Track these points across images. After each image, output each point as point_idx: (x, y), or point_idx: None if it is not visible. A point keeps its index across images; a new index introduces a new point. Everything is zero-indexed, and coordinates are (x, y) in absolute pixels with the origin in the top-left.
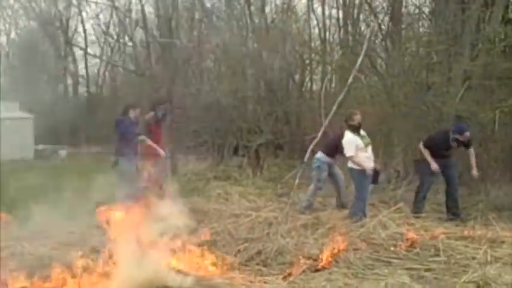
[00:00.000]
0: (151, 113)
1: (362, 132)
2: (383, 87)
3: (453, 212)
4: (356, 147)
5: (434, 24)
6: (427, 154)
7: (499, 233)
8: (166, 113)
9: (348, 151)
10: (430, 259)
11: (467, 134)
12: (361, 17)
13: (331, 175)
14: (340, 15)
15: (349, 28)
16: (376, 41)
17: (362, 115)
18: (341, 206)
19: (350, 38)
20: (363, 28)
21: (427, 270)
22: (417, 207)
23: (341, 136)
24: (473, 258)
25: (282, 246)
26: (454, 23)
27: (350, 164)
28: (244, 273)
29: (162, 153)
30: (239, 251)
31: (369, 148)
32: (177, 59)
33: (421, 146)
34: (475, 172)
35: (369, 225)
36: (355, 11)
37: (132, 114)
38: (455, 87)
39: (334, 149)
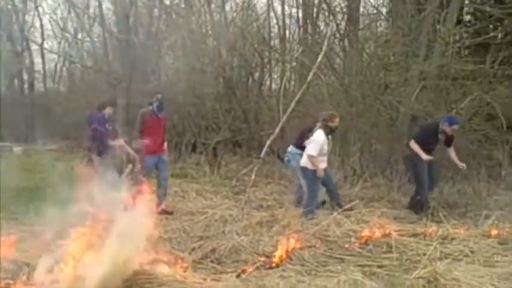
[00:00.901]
0: (149, 107)
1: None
2: (341, 86)
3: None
4: (320, 151)
5: (392, 24)
6: (416, 148)
7: (450, 230)
8: (161, 104)
9: (313, 150)
10: (383, 256)
11: (456, 126)
12: (321, 16)
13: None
14: (300, 15)
15: (309, 27)
16: (335, 41)
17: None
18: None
19: (309, 37)
20: (322, 27)
21: (379, 266)
22: (421, 210)
23: (311, 129)
24: (424, 254)
25: (237, 243)
26: (410, 24)
27: (304, 163)
28: (198, 271)
29: (135, 156)
30: (194, 248)
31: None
32: (135, 55)
33: (411, 142)
34: (461, 164)
35: (324, 222)
36: (315, 10)
37: (108, 111)
38: (411, 87)
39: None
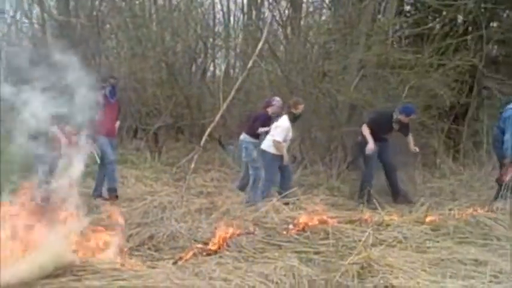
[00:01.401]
0: (102, 91)
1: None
2: (282, 73)
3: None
4: (285, 137)
5: (334, 13)
6: (367, 133)
7: (385, 216)
8: (114, 89)
9: (279, 136)
10: (320, 242)
11: (413, 115)
12: (265, 3)
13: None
14: (245, 1)
15: (253, 14)
16: (277, 28)
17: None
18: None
19: (252, 23)
20: (266, 14)
21: (316, 253)
22: (366, 199)
23: (261, 116)
24: (360, 240)
25: (175, 230)
26: (351, 13)
27: (265, 147)
28: (135, 258)
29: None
30: (131, 235)
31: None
32: (75, 38)
33: (364, 127)
34: (414, 148)
35: (263, 209)
36: None
37: None
38: (350, 76)
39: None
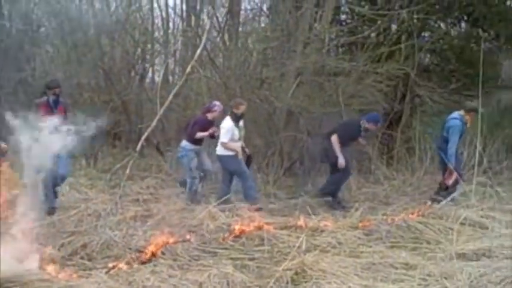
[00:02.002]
0: (44, 98)
1: (241, 123)
2: (220, 80)
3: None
4: (231, 137)
5: (271, 20)
6: (337, 148)
7: (320, 222)
8: (58, 99)
9: (224, 137)
10: (255, 248)
11: (380, 124)
12: (205, 9)
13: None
14: (184, 7)
15: (193, 20)
16: (216, 34)
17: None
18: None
19: (190, 30)
20: (206, 20)
21: (251, 259)
22: (340, 206)
23: (199, 121)
24: (295, 246)
25: (109, 239)
26: (288, 21)
27: (220, 152)
28: (67, 267)
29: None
30: (63, 244)
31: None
32: (9, 42)
33: (334, 138)
34: (363, 141)
35: (199, 216)
36: (198, 2)
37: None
38: (288, 83)
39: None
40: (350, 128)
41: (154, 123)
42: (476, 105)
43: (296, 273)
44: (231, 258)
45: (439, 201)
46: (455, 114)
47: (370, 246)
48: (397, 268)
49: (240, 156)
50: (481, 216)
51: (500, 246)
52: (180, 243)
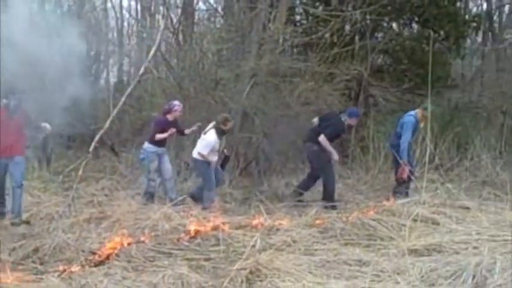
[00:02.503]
0: (4, 101)
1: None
2: (174, 81)
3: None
4: (212, 149)
5: (226, 21)
6: (328, 145)
7: (275, 221)
8: (19, 104)
9: (204, 150)
10: (211, 249)
11: (359, 118)
12: (159, 10)
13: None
14: (138, 7)
15: (148, 21)
16: (170, 35)
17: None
18: (170, 200)
19: (144, 30)
20: (161, 21)
21: (206, 259)
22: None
23: (159, 122)
24: (250, 246)
25: (62, 242)
26: (243, 21)
27: (196, 155)
28: (18, 272)
29: None
30: (14, 249)
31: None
32: None
33: (322, 138)
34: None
35: (154, 217)
36: (153, 3)
37: None
38: (242, 84)
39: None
40: (336, 126)
41: (107, 125)
42: (428, 103)
43: (251, 273)
44: (186, 259)
45: (402, 193)
46: (412, 112)
47: (325, 244)
48: (350, 265)
49: (213, 166)
50: (433, 213)
51: (451, 241)
52: (135, 245)
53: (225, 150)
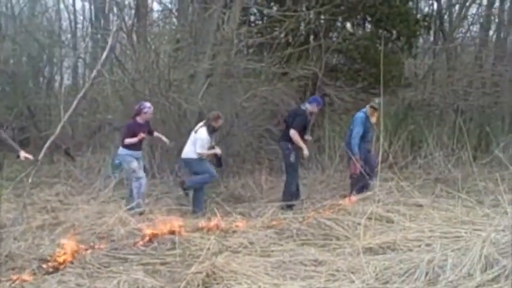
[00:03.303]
0: None
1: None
2: (128, 83)
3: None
4: (206, 146)
5: (179, 22)
6: (298, 139)
7: (232, 223)
8: None
9: (200, 149)
10: (167, 252)
11: (321, 105)
12: (113, 11)
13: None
14: (92, 8)
15: (102, 22)
16: (124, 36)
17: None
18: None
19: (99, 32)
20: (114, 23)
21: (162, 263)
22: (295, 199)
23: (129, 126)
24: (208, 249)
25: (14, 249)
26: (197, 22)
27: (187, 155)
28: None
29: None
30: None
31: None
32: None
33: (293, 132)
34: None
35: (109, 222)
36: (107, 4)
37: None
38: (197, 85)
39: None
40: (299, 117)
41: (58, 130)
42: (379, 101)
43: (207, 276)
44: (142, 264)
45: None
46: (363, 109)
47: (281, 245)
48: (306, 265)
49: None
50: (387, 211)
51: (404, 239)
52: (89, 251)
53: (218, 150)
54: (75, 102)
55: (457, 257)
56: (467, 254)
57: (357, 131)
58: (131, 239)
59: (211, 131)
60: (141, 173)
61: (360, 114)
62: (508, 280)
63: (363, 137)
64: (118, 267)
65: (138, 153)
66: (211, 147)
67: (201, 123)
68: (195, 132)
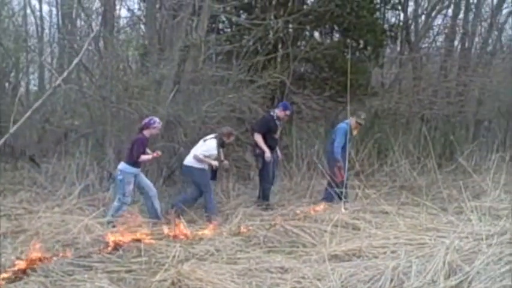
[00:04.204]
0: None
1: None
2: (96, 89)
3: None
4: (208, 156)
5: (148, 28)
6: (261, 141)
7: (199, 230)
8: None
9: (202, 154)
10: (132, 260)
11: (289, 112)
12: (81, 16)
13: (139, 187)
14: (60, 14)
15: (69, 27)
16: (90, 42)
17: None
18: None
19: (65, 37)
20: (81, 28)
21: (127, 271)
22: (266, 202)
23: (138, 140)
24: (174, 256)
25: None
26: (165, 29)
27: (190, 163)
28: None
29: None
30: None
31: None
32: None
33: (256, 136)
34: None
35: (74, 230)
36: (74, 10)
37: None
38: (165, 92)
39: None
40: (266, 122)
41: (3, 139)
42: (365, 116)
43: (172, 283)
44: (107, 272)
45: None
46: (346, 120)
47: (248, 252)
48: (272, 272)
49: (215, 164)
50: (353, 218)
51: (370, 246)
52: (53, 259)
53: (226, 162)
54: (29, 111)
55: (421, 264)
56: (431, 261)
57: (339, 141)
58: (96, 246)
59: (220, 144)
60: (128, 200)
61: (342, 125)
62: (471, 286)
63: (343, 147)
64: (82, 275)
65: (139, 170)
66: (216, 159)
67: (213, 135)
68: (204, 140)
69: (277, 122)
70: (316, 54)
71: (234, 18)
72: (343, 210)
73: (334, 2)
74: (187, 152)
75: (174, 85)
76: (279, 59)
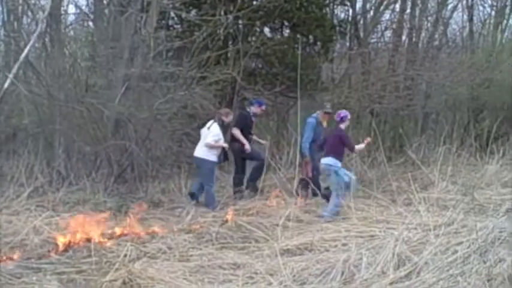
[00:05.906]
0: None
1: None
2: (43, 88)
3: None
4: (219, 139)
5: (96, 25)
6: (239, 134)
7: (150, 228)
8: None
9: (212, 139)
10: (83, 261)
11: (264, 107)
12: (27, 13)
13: None
14: (5, 10)
15: (15, 25)
16: (37, 40)
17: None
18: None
19: (11, 35)
20: (27, 25)
21: (78, 272)
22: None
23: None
24: (125, 255)
25: None
26: (113, 26)
27: (201, 155)
28: None
29: None
30: None
31: None
32: None
33: (234, 130)
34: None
35: (22, 231)
36: (19, 6)
37: None
38: (115, 89)
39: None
40: (242, 118)
41: None
42: (331, 107)
43: (124, 283)
44: (57, 273)
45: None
46: (314, 114)
47: (200, 249)
48: (225, 269)
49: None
50: (305, 212)
51: (322, 240)
52: (0, 262)
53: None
54: None
55: (371, 256)
56: (381, 253)
57: (307, 135)
58: (45, 248)
59: (222, 125)
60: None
61: (310, 120)
62: (419, 276)
63: (314, 141)
64: (31, 277)
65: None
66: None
67: (212, 121)
68: (208, 128)
69: (253, 119)
70: (267, 50)
71: (183, 14)
72: (296, 204)
73: None
74: (141, 149)
75: (123, 82)
76: (229, 55)
